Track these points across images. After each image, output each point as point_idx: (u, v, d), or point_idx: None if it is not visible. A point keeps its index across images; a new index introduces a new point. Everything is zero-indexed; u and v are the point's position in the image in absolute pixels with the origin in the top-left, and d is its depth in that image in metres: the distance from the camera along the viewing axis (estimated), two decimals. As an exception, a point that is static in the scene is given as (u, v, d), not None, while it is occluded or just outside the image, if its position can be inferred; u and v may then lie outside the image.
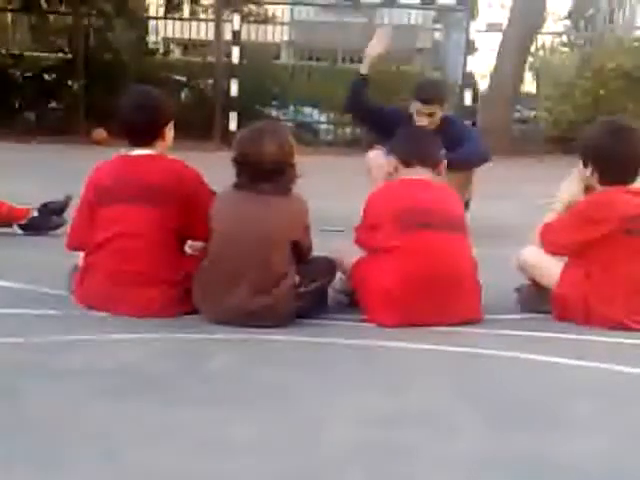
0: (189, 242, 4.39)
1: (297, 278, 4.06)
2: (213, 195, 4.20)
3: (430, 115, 6.42)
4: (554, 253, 4.37)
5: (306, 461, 2.61)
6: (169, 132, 4.35)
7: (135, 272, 4.10)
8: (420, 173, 4.36)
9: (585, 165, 4.38)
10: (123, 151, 4.35)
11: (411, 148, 4.48)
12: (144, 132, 4.29)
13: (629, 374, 3.55)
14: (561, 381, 3.49)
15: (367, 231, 4.30)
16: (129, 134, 4.32)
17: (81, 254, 4.32)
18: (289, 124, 16.50)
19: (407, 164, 4.40)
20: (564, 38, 22.07)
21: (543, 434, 2.87)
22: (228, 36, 15.52)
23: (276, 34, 21.34)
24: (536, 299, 4.41)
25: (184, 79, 18.16)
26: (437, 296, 4.06)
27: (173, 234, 4.23)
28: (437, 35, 25.14)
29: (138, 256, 4.12)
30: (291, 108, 18.12)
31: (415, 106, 6.44)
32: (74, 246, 4.38)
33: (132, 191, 4.17)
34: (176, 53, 20.84)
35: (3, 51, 17.66)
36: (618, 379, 3.52)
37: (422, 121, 6.40)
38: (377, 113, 6.58)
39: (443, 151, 4.58)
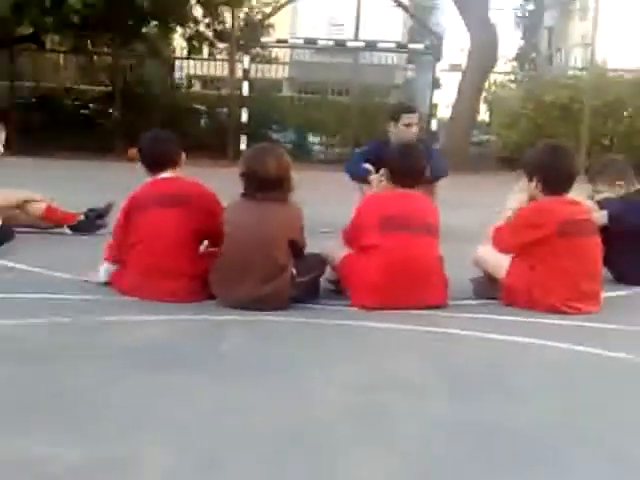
0: (204, 243, 4.39)
1: (295, 271, 4.06)
2: (222, 208, 4.23)
3: (411, 126, 6.32)
4: (503, 251, 4.37)
5: (304, 418, 2.62)
6: (182, 160, 4.44)
7: (164, 266, 4.11)
8: (409, 187, 4.38)
9: (530, 179, 4.39)
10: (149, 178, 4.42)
11: (408, 170, 4.45)
12: (165, 164, 4.37)
13: (567, 350, 3.56)
14: (511, 355, 3.50)
15: (354, 231, 4.29)
16: (153, 167, 4.38)
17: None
18: (288, 145, 16.50)
19: (401, 182, 4.40)
20: (512, 76, 22.10)
21: (495, 397, 2.88)
22: (239, 73, 15.51)
23: (278, 72, 21.38)
24: (488, 288, 4.41)
25: (203, 108, 18.16)
26: (410, 286, 4.06)
27: (194, 235, 4.24)
28: (409, 74, 25.19)
29: (166, 253, 4.13)
30: (290, 132, 18.12)
31: (401, 120, 6.33)
32: (114, 261, 4.35)
33: (161, 200, 4.23)
34: (197, 87, 20.79)
35: (56, 85, 17.63)
36: (559, 354, 3.52)
37: (409, 131, 6.28)
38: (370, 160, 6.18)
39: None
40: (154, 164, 4.38)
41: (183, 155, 4.44)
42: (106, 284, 4.31)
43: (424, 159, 4.57)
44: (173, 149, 4.43)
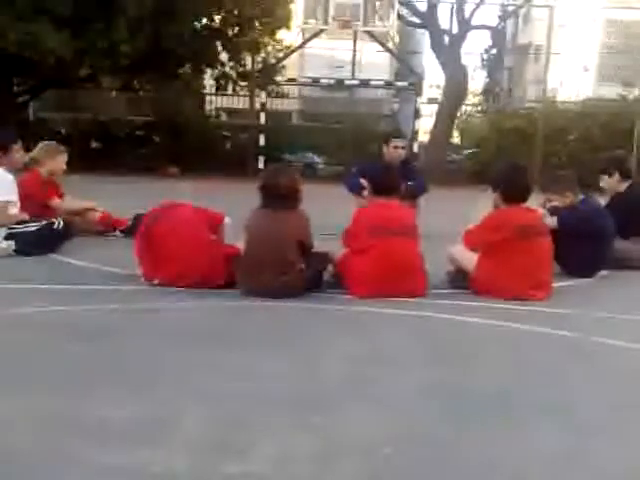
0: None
1: (303, 266, 4.05)
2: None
3: (400, 148, 6.28)
4: (472, 249, 4.36)
5: (310, 384, 2.63)
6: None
7: (186, 256, 4.10)
8: (388, 199, 4.37)
9: (494, 190, 4.39)
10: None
11: (385, 186, 4.45)
12: None
13: (524, 329, 3.56)
14: (479, 333, 3.50)
15: (350, 237, 4.28)
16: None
17: None
18: (297, 164, 16.49)
19: (380, 194, 4.41)
20: (479, 108, 22.08)
21: (465, 367, 2.89)
22: (258, 106, 15.52)
23: (289, 105, 21.37)
24: (460, 279, 4.39)
25: (229, 134, 18.17)
26: (396, 278, 4.05)
27: (201, 225, 4.26)
28: (395, 106, 25.16)
29: (184, 244, 4.12)
30: (299, 154, 18.11)
31: (391, 144, 6.28)
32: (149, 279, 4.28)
33: (177, 210, 4.28)
34: (223, 117, 20.76)
35: (110, 116, 17.65)
36: (518, 332, 3.52)
37: (395, 152, 6.23)
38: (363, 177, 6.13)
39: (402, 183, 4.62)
40: None
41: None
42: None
43: (399, 178, 4.59)
44: None
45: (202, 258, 4.11)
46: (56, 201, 5.85)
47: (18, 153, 5.42)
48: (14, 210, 5.13)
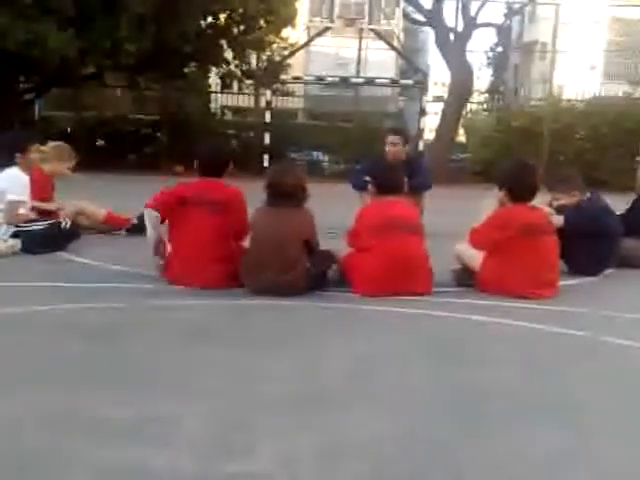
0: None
1: (308, 264, 4.04)
2: (246, 211, 4.26)
3: (395, 145, 6.22)
4: (478, 248, 4.35)
5: (313, 383, 2.62)
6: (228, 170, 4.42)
7: (206, 256, 4.09)
8: (392, 196, 4.35)
9: (500, 189, 4.38)
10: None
11: (389, 185, 4.43)
12: (218, 172, 4.34)
13: (530, 327, 3.55)
14: (484, 332, 3.48)
15: (355, 235, 4.28)
16: (207, 172, 4.33)
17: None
18: (302, 162, 16.47)
19: (384, 194, 4.38)
20: (484, 106, 22.00)
21: (469, 367, 2.87)
22: (263, 104, 15.51)
23: (295, 103, 21.35)
24: (465, 277, 4.39)
25: (234, 133, 18.16)
26: (401, 277, 4.04)
27: (229, 230, 4.21)
28: (401, 104, 25.12)
29: (208, 245, 4.10)
30: (304, 152, 18.10)
31: (386, 140, 6.23)
32: (153, 207, 4.26)
33: (205, 201, 4.18)
34: (229, 116, 20.74)
35: (115, 114, 17.66)
36: (524, 331, 3.51)
37: (390, 149, 6.17)
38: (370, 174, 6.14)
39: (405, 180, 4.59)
40: (210, 172, 4.32)
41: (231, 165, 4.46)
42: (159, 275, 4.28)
43: (402, 177, 4.54)
44: (226, 163, 4.42)
45: (212, 263, 4.08)
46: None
47: (34, 154, 5.43)
48: (23, 210, 5.16)
